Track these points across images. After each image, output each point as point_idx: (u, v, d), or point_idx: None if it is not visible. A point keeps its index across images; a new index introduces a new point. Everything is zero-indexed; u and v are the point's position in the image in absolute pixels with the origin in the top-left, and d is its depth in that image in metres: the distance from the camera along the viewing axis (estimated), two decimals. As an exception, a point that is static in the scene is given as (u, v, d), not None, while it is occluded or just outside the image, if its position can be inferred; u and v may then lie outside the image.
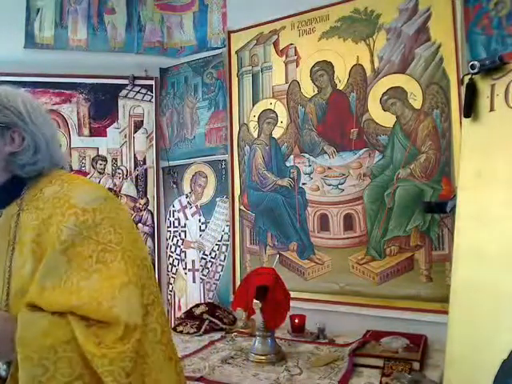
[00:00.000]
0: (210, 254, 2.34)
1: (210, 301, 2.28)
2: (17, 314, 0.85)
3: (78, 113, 2.37)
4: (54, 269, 0.85)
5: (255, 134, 2.21)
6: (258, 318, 1.68)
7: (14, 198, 0.95)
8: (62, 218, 0.88)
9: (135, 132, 2.45)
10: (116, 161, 2.41)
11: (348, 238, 1.94)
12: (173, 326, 2.00)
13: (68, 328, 0.81)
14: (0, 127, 0.93)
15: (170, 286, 2.46)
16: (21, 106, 0.95)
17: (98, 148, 2.39)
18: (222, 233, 2.31)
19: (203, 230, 2.37)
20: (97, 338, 0.81)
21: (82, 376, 0.80)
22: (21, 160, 0.94)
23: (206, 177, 2.38)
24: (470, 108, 1.23)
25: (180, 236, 2.45)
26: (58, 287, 0.84)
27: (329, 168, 2.00)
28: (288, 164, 2.11)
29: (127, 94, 2.45)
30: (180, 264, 2.44)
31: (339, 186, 1.97)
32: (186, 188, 2.44)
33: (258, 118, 2.21)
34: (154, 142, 2.46)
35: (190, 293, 2.39)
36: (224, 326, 1.98)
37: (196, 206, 2.41)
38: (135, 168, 2.44)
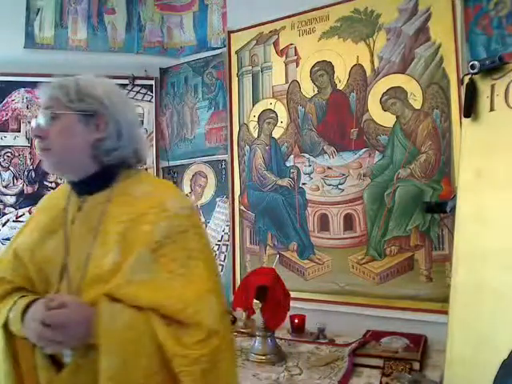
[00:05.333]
0: (210, 254, 2.34)
1: (210, 301, 2.28)
2: (89, 299, 0.87)
3: (78, 113, 2.37)
4: (143, 265, 0.88)
5: (255, 134, 2.21)
6: (258, 317, 1.68)
7: (103, 188, 0.98)
8: (155, 219, 0.92)
9: (135, 132, 2.45)
10: (116, 161, 2.41)
11: (348, 238, 1.94)
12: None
13: (149, 323, 0.84)
14: (84, 116, 0.96)
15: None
16: (102, 93, 0.99)
17: (98, 148, 2.39)
18: (222, 233, 2.31)
19: (203, 230, 2.37)
20: (178, 336, 0.84)
21: (161, 371, 0.83)
22: (105, 146, 0.97)
23: (206, 177, 2.38)
24: (470, 108, 1.23)
25: (180, 236, 2.45)
26: (144, 283, 0.87)
27: (329, 168, 2.00)
28: (288, 164, 2.11)
29: (127, 93, 2.44)
30: (180, 264, 2.43)
31: (339, 186, 1.97)
32: (186, 188, 2.44)
33: (258, 118, 2.20)
34: (154, 142, 2.46)
35: (190, 293, 2.39)
36: (224, 326, 1.98)
37: (196, 206, 2.41)
38: (135, 168, 2.44)
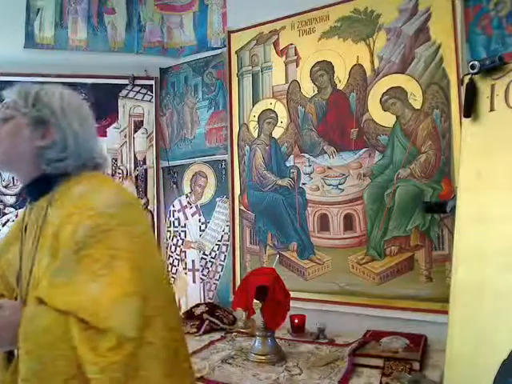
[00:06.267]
0: (210, 254, 2.34)
1: (210, 301, 2.28)
2: (29, 303, 0.90)
3: (77, 113, 2.36)
4: (65, 267, 0.87)
5: (255, 134, 2.21)
6: (258, 317, 1.68)
7: (47, 193, 1.00)
8: (79, 218, 0.90)
9: (135, 132, 2.45)
10: (116, 161, 2.41)
11: (348, 238, 1.94)
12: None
13: (67, 327, 0.83)
14: (34, 122, 0.98)
15: (170, 286, 2.46)
16: (56, 102, 1.00)
17: (97, 148, 2.38)
18: (222, 233, 2.31)
19: (203, 230, 2.37)
20: (92, 342, 0.81)
21: (79, 375, 0.81)
22: (48, 155, 0.98)
23: (206, 177, 2.38)
24: (470, 108, 1.23)
25: (180, 236, 2.45)
26: (64, 286, 0.86)
27: (329, 168, 2.00)
28: (288, 164, 2.11)
29: (127, 93, 2.45)
30: (180, 264, 2.44)
31: (339, 186, 1.97)
32: (186, 188, 2.44)
33: (258, 118, 2.20)
34: (153, 142, 2.46)
35: (190, 293, 2.39)
36: (224, 326, 1.98)
37: (196, 206, 2.40)
38: (135, 168, 2.44)
